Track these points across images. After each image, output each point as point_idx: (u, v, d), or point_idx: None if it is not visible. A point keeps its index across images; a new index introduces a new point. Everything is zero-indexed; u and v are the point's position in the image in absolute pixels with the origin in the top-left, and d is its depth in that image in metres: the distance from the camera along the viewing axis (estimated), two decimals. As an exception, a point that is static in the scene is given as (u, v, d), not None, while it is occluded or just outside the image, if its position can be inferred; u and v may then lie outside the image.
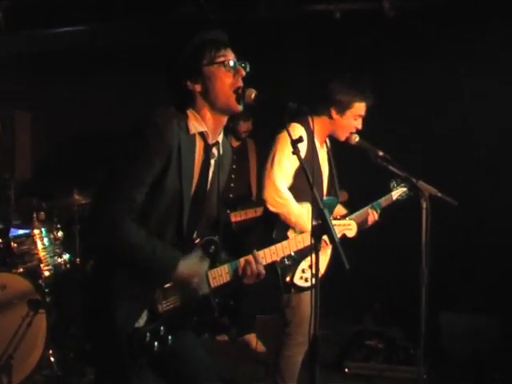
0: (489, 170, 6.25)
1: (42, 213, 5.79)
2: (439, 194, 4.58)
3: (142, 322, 2.96)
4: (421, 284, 4.59)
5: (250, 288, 3.35)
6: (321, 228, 2.91)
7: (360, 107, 4.44)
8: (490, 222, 6.24)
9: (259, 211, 5.76)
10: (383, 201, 4.70)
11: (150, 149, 2.89)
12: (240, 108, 3.09)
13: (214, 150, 3.17)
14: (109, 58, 7.14)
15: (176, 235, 3.05)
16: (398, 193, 4.73)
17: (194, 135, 3.05)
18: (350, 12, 5.76)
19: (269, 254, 3.42)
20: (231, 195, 6.09)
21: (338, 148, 4.60)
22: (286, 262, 4.19)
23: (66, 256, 5.80)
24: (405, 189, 4.73)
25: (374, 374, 5.80)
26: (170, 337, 3.02)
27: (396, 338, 6.20)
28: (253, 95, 3.07)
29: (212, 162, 3.18)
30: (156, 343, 2.97)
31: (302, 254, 4.22)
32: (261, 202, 5.65)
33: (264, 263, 3.33)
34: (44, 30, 6.77)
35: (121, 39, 6.76)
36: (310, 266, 4.20)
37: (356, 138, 4.46)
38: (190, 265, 3.04)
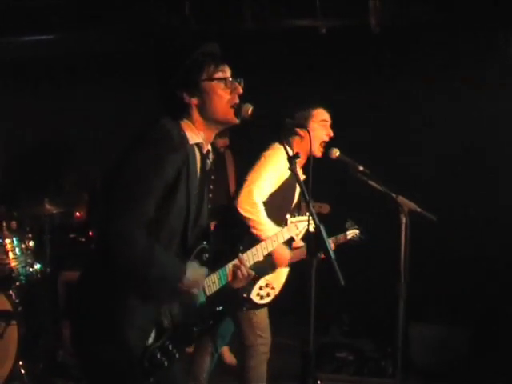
0: (463, 185, 6.35)
1: (14, 222, 5.71)
2: (418, 210, 4.65)
3: (150, 339, 2.93)
4: (398, 299, 4.66)
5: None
6: (316, 244, 2.93)
7: (319, 112, 4.48)
8: (459, 234, 6.33)
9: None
10: (338, 238, 4.82)
11: (165, 161, 2.83)
12: (238, 121, 3.08)
13: (208, 160, 3.16)
14: (78, 68, 7.08)
15: (181, 248, 3.02)
16: (351, 233, 4.86)
17: (193, 146, 3.03)
18: (336, 28, 5.80)
19: (251, 256, 3.42)
20: (209, 206, 6.07)
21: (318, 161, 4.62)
22: None
23: (38, 266, 5.72)
24: (357, 231, 4.84)
25: (345, 386, 5.85)
26: (176, 352, 2.99)
27: (365, 350, 6.25)
28: (250, 110, 3.06)
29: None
30: (165, 360, 2.94)
31: (261, 271, 4.26)
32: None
33: (248, 265, 3.31)
34: (11, 38, 6.64)
35: (100, 48, 6.69)
36: (267, 285, 4.30)
37: (337, 153, 4.50)
38: (193, 274, 2.99)
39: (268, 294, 4.34)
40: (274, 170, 4.21)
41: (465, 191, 6.30)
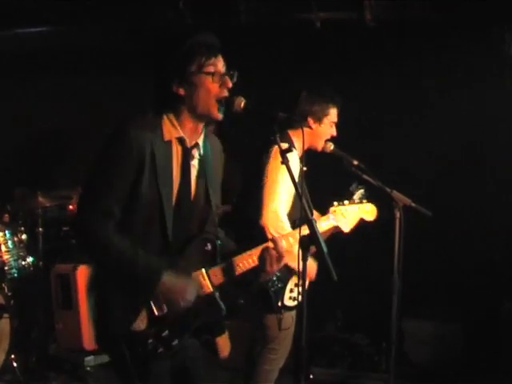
0: (458, 180, 6.33)
1: (7, 215, 5.70)
2: (413, 204, 4.62)
3: (142, 325, 2.92)
4: (392, 294, 4.64)
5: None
6: (309, 238, 2.91)
7: (334, 113, 4.44)
8: (454, 229, 6.31)
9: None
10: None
11: (121, 158, 2.89)
12: (220, 117, 3.04)
13: (194, 152, 3.12)
14: (74, 62, 7.05)
15: (163, 244, 3.00)
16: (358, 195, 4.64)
17: (170, 141, 3.02)
18: (331, 22, 5.79)
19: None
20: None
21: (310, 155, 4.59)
22: (278, 285, 4.18)
23: (30, 259, 5.72)
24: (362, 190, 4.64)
25: (338, 381, 5.84)
26: (175, 340, 2.95)
27: (360, 345, 6.24)
28: (242, 104, 3.02)
29: (193, 163, 3.13)
30: (160, 347, 2.92)
31: (288, 274, 4.20)
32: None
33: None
34: (7, 31, 6.63)
35: (96, 43, 6.68)
36: (297, 285, 4.22)
37: (331, 147, 4.46)
38: (175, 280, 2.97)
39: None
40: (284, 178, 4.07)
41: (460, 186, 6.28)
